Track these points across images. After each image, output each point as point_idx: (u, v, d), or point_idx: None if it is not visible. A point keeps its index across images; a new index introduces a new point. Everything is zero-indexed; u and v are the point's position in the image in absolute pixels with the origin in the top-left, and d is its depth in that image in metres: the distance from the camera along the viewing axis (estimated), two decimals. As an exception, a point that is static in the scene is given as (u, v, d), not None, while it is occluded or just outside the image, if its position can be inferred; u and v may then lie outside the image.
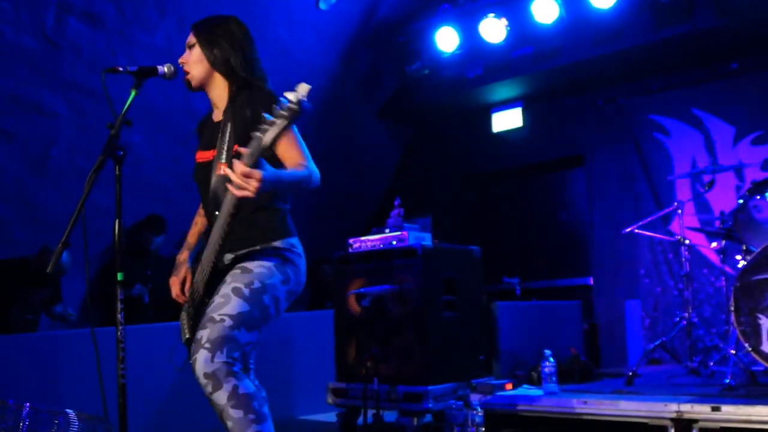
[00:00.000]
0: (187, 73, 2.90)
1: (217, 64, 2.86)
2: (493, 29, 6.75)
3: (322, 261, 7.57)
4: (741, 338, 4.57)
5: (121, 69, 2.85)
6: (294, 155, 2.69)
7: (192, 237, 3.17)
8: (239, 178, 2.31)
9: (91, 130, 5.81)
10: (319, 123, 7.49)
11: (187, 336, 2.88)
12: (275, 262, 2.75)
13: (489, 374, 5.41)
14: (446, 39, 7.09)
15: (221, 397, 2.49)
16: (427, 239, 5.20)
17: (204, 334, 2.56)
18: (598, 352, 6.96)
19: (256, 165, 2.33)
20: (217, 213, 2.65)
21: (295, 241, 2.87)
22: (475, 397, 4.88)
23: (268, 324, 2.72)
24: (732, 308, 4.76)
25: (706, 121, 6.62)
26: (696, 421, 4.06)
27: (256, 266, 2.71)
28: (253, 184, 2.30)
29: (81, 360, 4.35)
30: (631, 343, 6.81)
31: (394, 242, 5.14)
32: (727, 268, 5.48)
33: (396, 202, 5.34)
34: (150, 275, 6.44)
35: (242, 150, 2.36)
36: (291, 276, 2.78)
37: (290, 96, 2.27)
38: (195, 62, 2.88)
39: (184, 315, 2.95)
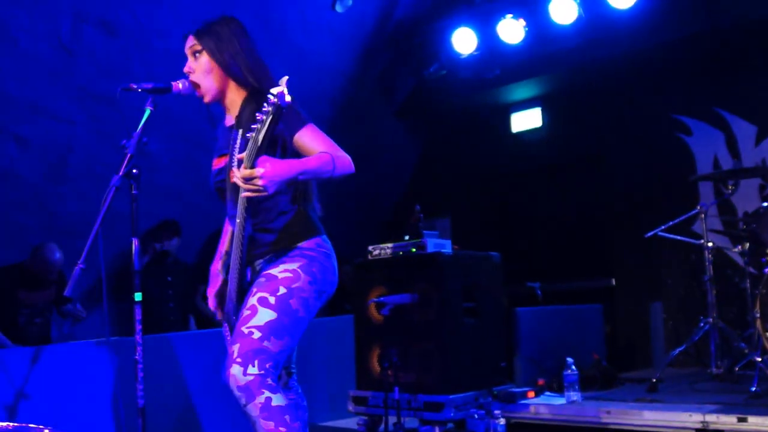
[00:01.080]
0: (197, 84, 2.83)
1: (229, 70, 2.79)
2: (512, 30, 6.65)
3: (343, 261, 7.55)
4: (767, 345, 4.51)
5: (135, 87, 2.83)
6: (315, 146, 2.66)
7: (224, 246, 3.13)
8: (243, 184, 2.41)
9: (107, 137, 5.80)
10: (337, 124, 7.45)
11: None
12: (301, 264, 2.71)
13: (510, 381, 5.36)
14: (464, 40, 6.99)
15: (254, 409, 2.49)
16: (446, 246, 5.15)
17: (235, 349, 2.55)
18: (621, 355, 6.88)
19: (255, 165, 2.39)
20: (238, 220, 2.63)
21: (321, 240, 2.82)
22: (496, 406, 4.84)
23: (300, 327, 2.70)
24: (757, 315, 4.70)
25: (729, 120, 6.51)
26: (722, 431, 4.00)
27: (281, 271, 2.68)
28: (257, 183, 2.38)
29: (96, 373, 4.34)
30: (654, 346, 6.73)
31: (414, 249, 5.09)
32: (752, 269, 5.40)
33: (416, 208, 5.30)
34: (171, 281, 6.42)
35: (238, 156, 2.44)
36: (318, 276, 2.74)
37: (273, 91, 2.30)
38: (205, 72, 2.81)
39: (226, 327, 2.95)
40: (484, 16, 6.84)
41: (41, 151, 5.65)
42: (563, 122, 7.57)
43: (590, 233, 7.50)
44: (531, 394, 5.09)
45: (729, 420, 3.98)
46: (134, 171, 2.76)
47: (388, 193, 8.61)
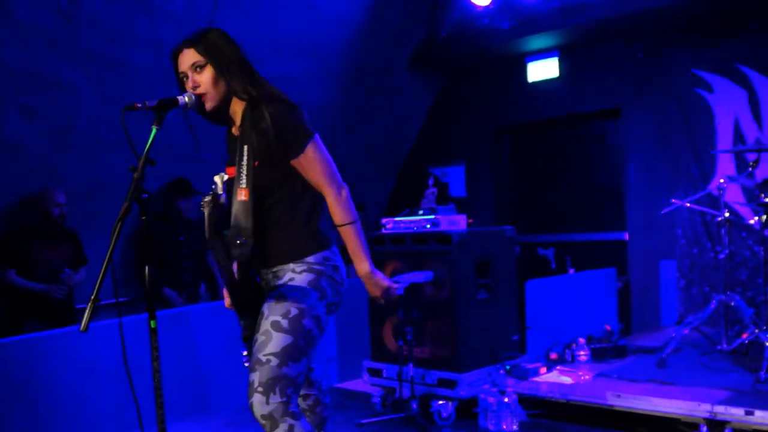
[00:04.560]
0: (204, 95, 2.77)
1: (232, 84, 2.76)
2: (530, -18, 6.39)
3: (358, 207, 7.52)
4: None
5: (139, 105, 2.73)
6: (313, 176, 2.76)
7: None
8: (380, 295, 2.92)
9: (113, 101, 5.67)
10: (348, 74, 7.27)
11: (246, 334, 2.89)
12: (309, 280, 2.73)
13: (522, 353, 5.40)
14: (479, -9, 6.74)
15: None
16: (461, 222, 5.10)
17: (255, 378, 2.60)
18: (633, 312, 6.90)
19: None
20: (238, 241, 2.68)
21: (329, 253, 2.83)
22: (508, 383, 4.89)
23: (315, 345, 2.74)
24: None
25: (752, 77, 6.29)
26: (728, 422, 4.07)
27: (290, 290, 2.70)
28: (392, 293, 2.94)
29: (112, 353, 4.36)
30: (665, 305, 6.73)
31: (428, 226, 5.05)
32: (766, 233, 5.35)
33: (430, 182, 5.23)
34: (183, 240, 6.38)
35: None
36: (327, 289, 2.77)
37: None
38: (212, 83, 2.76)
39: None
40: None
41: (46, 120, 5.53)
42: (581, 73, 7.33)
43: (605, 186, 7.41)
44: (543, 369, 5.13)
45: (736, 411, 4.08)
46: (144, 196, 2.66)
47: (401, 139, 8.50)
